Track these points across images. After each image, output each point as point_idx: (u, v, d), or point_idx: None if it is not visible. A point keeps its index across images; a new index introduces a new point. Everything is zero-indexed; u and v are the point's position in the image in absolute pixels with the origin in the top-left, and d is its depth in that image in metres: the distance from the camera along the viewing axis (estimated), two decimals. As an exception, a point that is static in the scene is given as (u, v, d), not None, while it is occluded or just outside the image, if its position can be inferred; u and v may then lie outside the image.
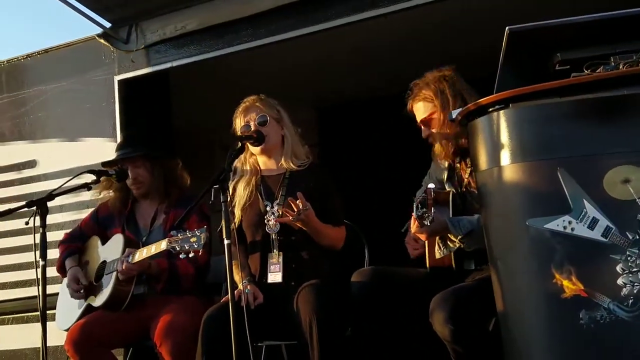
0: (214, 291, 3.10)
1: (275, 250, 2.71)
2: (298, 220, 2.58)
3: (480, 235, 2.30)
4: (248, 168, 2.85)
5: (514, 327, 1.92)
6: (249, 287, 2.63)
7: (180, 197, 3.09)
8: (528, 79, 1.90)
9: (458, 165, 2.57)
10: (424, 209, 2.31)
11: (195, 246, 2.54)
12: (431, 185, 2.41)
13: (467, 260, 2.48)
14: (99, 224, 3.19)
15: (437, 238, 2.48)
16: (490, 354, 2.25)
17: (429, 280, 2.49)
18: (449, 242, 2.47)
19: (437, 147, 2.55)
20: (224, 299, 2.67)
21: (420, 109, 2.58)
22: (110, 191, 3.16)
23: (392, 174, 4.87)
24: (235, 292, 2.45)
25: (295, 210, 2.55)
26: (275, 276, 2.69)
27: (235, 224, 2.76)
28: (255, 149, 2.81)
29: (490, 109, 1.93)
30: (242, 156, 2.82)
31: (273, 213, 2.72)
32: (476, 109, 1.97)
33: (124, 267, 2.79)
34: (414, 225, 2.39)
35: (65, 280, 3.13)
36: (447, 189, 2.56)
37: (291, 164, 2.81)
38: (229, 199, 2.47)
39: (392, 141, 4.99)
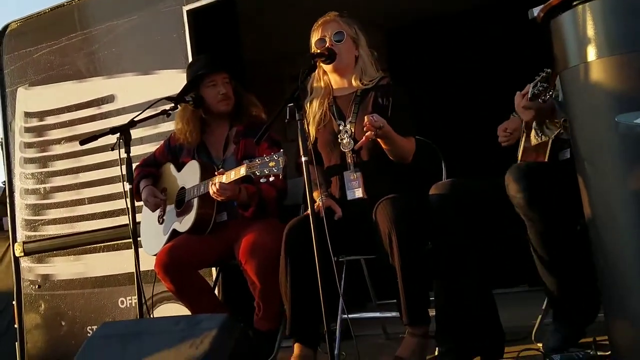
0: (292, 214, 3.15)
1: (352, 168, 2.72)
2: (377, 136, 2.53)
3: None
4: (322, 87, 2.85)
5: (603, 229, 1.88)
6: (326, 201, 2.66)
7: (250, 124, 3.11)
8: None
9: None
10: (546, 85, 2.14)
11: (275, 170, 2.54)
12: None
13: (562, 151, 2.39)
14: (171, 152, 3.27)
15: (535, 123, 2.37)
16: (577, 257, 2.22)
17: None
18: (546, 128, 2.35)
19: None
20: (304, 213, 2.71)
21: None
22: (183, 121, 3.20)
23: (466, 95, 4.76)
24: (315, 205, 2.48)
25: (370, 126, 2.49)
26: (356, 192, 2.70)
27: (310, 142, 2.78)
28: (327, 67, 2.80)
29: (575, 2, 1.85)
30: (317, 75, 2.83)
31: (346, 131, 2.73)
32: (559, 4, 1.89)
33: (218, 187, 2.79)
34: (522, 99, 2.27)
35: (145, 207, 3.25)
36: None
37: (360, 83, 2.79)
38: (304, 117, 2.46)
39: (464, 60, 4.86)
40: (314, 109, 2.84)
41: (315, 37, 2.82)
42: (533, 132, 2.40)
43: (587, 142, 1.90)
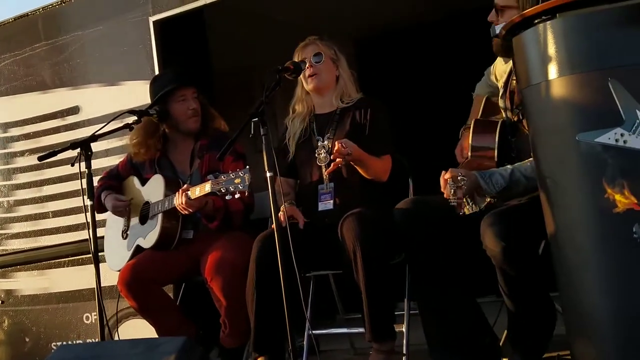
0: (259, 227, 3.12)
1: (326, 182, 2.79)
2: (347, 162, 2.65)
3: (514, 190, 2.24)
4: (304, 106, 2.96)
5: (565, 246, 1.88)
6: (289, 209, 2.71)
7: (214, 138, 3.07)
8: (575, -13, 1.79)
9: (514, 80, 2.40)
10: (456, 202, 2.18)
11: (241, 187, 2.53)
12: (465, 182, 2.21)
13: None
14: (134, 167, 3.22)
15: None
16: (539, 277, 2.22)
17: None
18: (477, 197, 2.36)
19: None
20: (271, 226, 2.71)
21: None
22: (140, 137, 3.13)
23: (434, 105, 4.77)
24: (279, 214, 2.47)
25: (337, 154, 2.59)
26: (326, 204, 2.78)
27: (289, 157, 2.91)
28: (308, 87, 2.91)
29: (536, 21, 1.84)
30: (299, 95, 2.97)
31: (323, 147, 2.79)
32: (521, 22, 1.89)
33: (184, 202, 2.76)
34: (445, 186, 2.25)
35: (108, 221, 3.21)
36: (500, 105, 2.46)
37: (340, 102, 2.91)
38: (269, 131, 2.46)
39: (434, 70, 4.87)
40: (295, 127, 2.95)
41: (296, 59, 2.88)
42: (464, 202, 2.39)
43: (549, 159, 1.90)
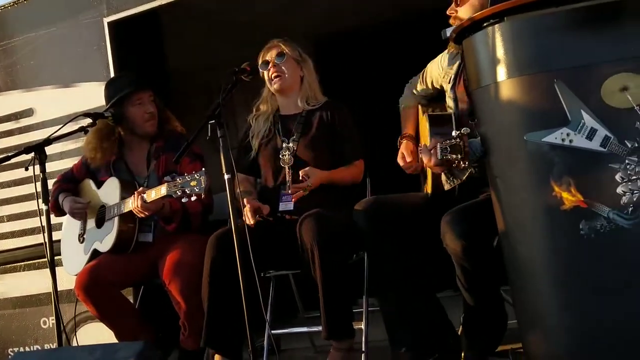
0: (218, 228, 3.12)
1: (288, 183, 2.79)
2: (310, 189, 2.71)
3: None
4: (268, 106, 2.96)
5: (516, 243, 1.93)
6: (253, 203, 2.74)
7: (169, 139, 3.07)
8: (523, -9, 1.85)
9: None
10: (458, 156, 1.97)
11: (197, 190, 2.53)
12: (465, 130, 2.00)
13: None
14: (89, 169, 3.19)
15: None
16: (495, 271, 2.28)
17: (429, 205, 2.48)
18: (456, 171, 2.36)
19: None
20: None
21: None
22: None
23: (394, 106, 4.80)
24: (247, 212, 2.54)
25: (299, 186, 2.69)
26: (286, 205, 2.78)
27: (251, 155, 2.92)
28: (272, 88, 2.91)
29: (485, 24, 1.89)
30: (264, 97, 2.97)
31: (288, 148, 2.81)
32: (470, 25, 1.93)
33: (139, 205, 2.75)
34: (430, 159, 2.13)
35: (65, 224, 3.17)
36: (448, 104, 2.51)
37: (306, 104, 2.92)
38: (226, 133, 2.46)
39: (395, 71, 4.90)
40: (259, 125, 2.95)
41: (260, 61, 2.91)
42: (444, 177, 2.43)
43: (499, 159, 1.95)
